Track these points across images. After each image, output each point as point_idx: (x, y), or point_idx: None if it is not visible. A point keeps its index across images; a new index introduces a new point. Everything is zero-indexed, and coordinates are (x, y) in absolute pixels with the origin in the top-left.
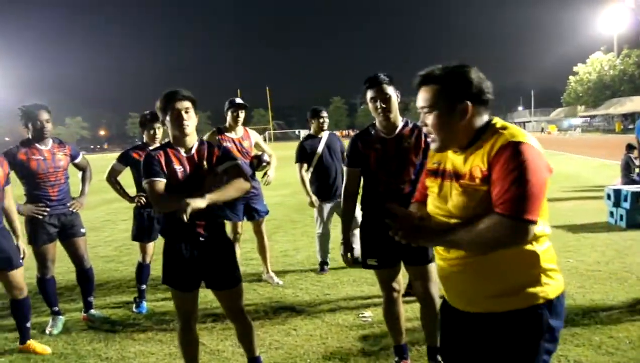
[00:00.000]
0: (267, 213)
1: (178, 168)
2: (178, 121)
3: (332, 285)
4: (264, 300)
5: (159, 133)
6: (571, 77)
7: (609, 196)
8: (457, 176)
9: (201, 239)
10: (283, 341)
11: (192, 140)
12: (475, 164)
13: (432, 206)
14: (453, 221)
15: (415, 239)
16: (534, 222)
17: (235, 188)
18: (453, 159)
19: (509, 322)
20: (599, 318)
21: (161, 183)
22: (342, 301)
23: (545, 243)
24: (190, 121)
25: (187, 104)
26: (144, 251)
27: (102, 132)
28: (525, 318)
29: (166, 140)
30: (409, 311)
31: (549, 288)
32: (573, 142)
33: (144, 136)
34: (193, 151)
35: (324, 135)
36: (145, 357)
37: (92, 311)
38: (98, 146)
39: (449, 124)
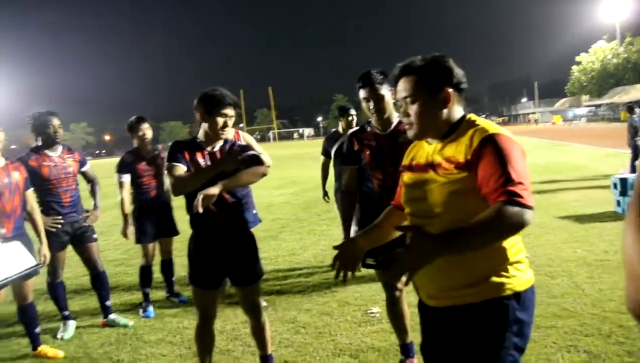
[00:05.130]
0: (256, 223)
1: (201, 160)
2: (222, 129)
3: (339, 282)
4: (272, 298)
5: (149, 135)
6: (574, 67)
7: (615, 186)
8: (433, 166)
9: (220, 229)
10: (292, 339)
11: (221, 140)
12: (451, 154)
13: (409, 206)
14: (431, 221)
15: (420, 260)
16: (532, 207)
17: (248, 173)
18: (428, 151)
19: (475, 313)
20: (608, 307)
21: (180, 168)
22: (350, 298)
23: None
24: (230, 129)
25: (233, 112)
26: (144, 252)
27: (107, 137)
28: (492, 309)
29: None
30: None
31: (517, 280)
32: (578, 132)
33: (134, 141)
34: (217, 148)
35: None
36: (156, 359)
37: (112, 316)
38: (104, 151)
39: (431, 112)
